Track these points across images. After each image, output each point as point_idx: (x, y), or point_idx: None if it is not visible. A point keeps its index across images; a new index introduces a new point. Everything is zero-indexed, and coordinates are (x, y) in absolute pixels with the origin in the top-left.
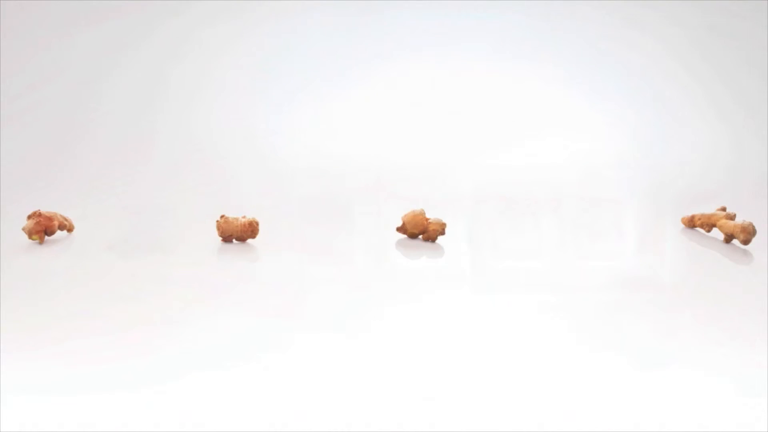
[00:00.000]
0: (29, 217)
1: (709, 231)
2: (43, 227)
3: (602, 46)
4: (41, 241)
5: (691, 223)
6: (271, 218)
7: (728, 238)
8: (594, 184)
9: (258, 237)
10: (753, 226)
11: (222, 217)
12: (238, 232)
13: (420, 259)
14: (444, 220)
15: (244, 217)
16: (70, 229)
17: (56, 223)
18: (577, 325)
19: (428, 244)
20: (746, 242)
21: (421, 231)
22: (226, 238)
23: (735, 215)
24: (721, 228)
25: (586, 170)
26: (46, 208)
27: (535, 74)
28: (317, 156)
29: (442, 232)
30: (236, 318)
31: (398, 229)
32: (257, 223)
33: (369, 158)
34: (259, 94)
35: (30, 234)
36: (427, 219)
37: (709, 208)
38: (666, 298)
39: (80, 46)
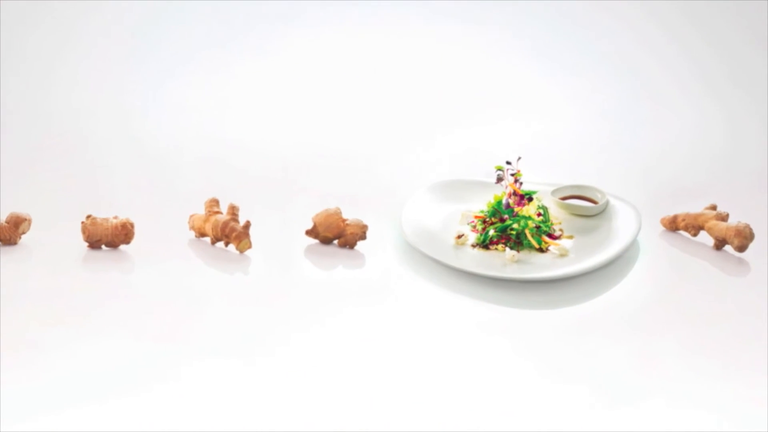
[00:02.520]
0: None
1: (695, 234)
2: None
3: (566, 9)
4: None
5: (673, 224)
6: (150, 218)
7: (719, 244)
8: (556, 175)
9: (133, 242)
10: (750, 229)
11: (88, 217)
12: (108, 236)
13: (335, 269)
14: (364, 222)
15: (115, 217)
16: None
17: None
18: (533, 350)
19: (345, 251)
20: (741, 248)
21: (336, 234)
22: (94, 243)
23: (728, 215)
24: (710, 231)
25: (546, 159)
26: None
27: (483, 41)
28: (207, 142)
29: (363, 236)
30: (107, 342)
31: (308, 232)
32: (132, 225)
33: (272, 145)
34: (133, 66)
35: None
36: (343, 220)
37: (695, 207)
38: (643, 318)
39: None
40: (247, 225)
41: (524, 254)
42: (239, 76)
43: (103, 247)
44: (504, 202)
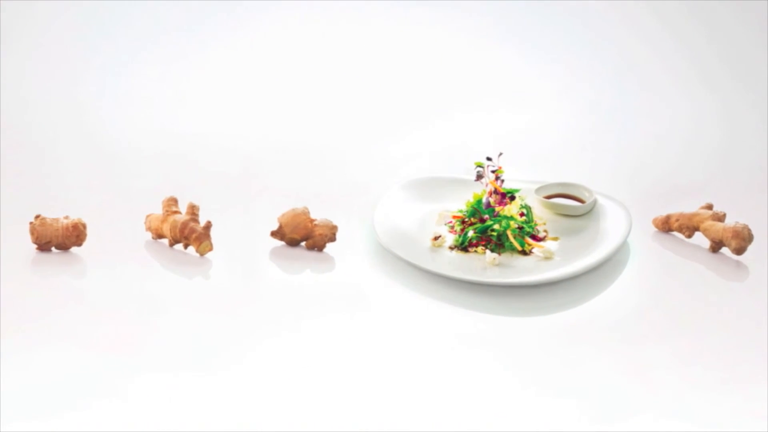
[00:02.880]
0: None
1: (690, 236)
2: None
3: None
4: None
5: (666, 225)
6: (104, 219)
7: (716, 246)
8: (540, 173)
9: (85, 244)
10: (748, 230)
11: (37, 217)
12: (59, 238)
13: (302, 273)
14: (334, 222)
15: (66, 217)
16: None
17: None
18: (515, 361)
19: (313, 254)
20: (739, 251)
21: (303, 236)
22: (43, 245)
23: (724, 215)
24: (706, 232)
25: (529, 155)
26: None
27: (462, 28)
28: (165, 136)
29: (332, 238)
30: (55, 352)
31: (273, 234)
32: (84, 226)
33: (234, 140)
34: (85, 54)
35: None
36: (311, 220)
37: (690, 206)
38: (633, 326)
39: None
40: (208, 226)
41: (506, 257)
42: (199, 66)
43: (53, 249)
44: (484, 201)
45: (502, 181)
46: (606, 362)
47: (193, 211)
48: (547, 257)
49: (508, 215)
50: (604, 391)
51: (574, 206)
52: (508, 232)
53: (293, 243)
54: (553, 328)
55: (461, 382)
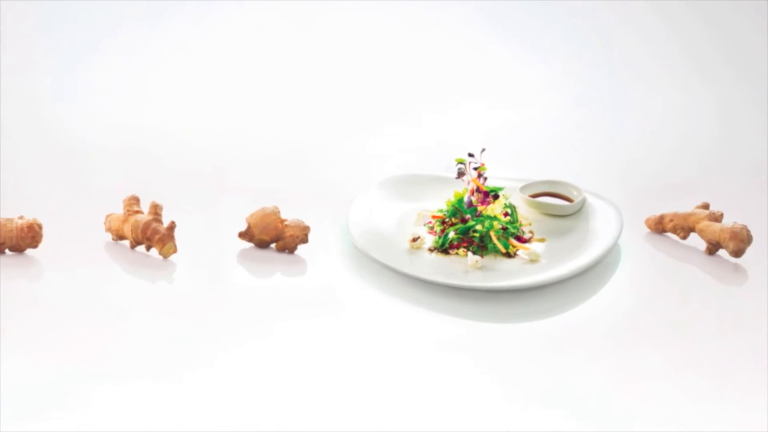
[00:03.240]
0: None
1: (685, 237)
2: None
3: None
4: None
5: (660, 225)
6: (61, 219)
7: (712, 248)
8: (525, 170)
9: (41, 245)
10: (747, 231)
11: None
12: (13, 239)
13: (272, 276)
14: (306, 223)
15: (21, 217)
16: None
17: None
18: (499, 370)
19: (284, 256)
20: (738, 253)
21: (273, 237)
22: None
23: (722, 215)
24: (702, 233)
25: (514, 151)
26: None
27: (442, 16)
28: (126, 131)
29: (304, 239)
30: (11, 361)
31: (241, 235)
32: (40, 226)
33: (200, 135)
34: (43, 43)
35: None
36: (282, 221)
37: (685, 205)
38: (625, 332)
39: None
40: (172, 226)
41: (489, 260)
42: (164, 56)
43: (7, 251)
44: (466, 200)
45: (485, 178)
46: (595, 371)
47: (156, 210)
48: (533, 260)
49: (492, 215)
50: (594, 400)
51: (561, 206)
52: (492, 233)
53: (262, 244)
54: (539, 335)
55: (441, 392)
